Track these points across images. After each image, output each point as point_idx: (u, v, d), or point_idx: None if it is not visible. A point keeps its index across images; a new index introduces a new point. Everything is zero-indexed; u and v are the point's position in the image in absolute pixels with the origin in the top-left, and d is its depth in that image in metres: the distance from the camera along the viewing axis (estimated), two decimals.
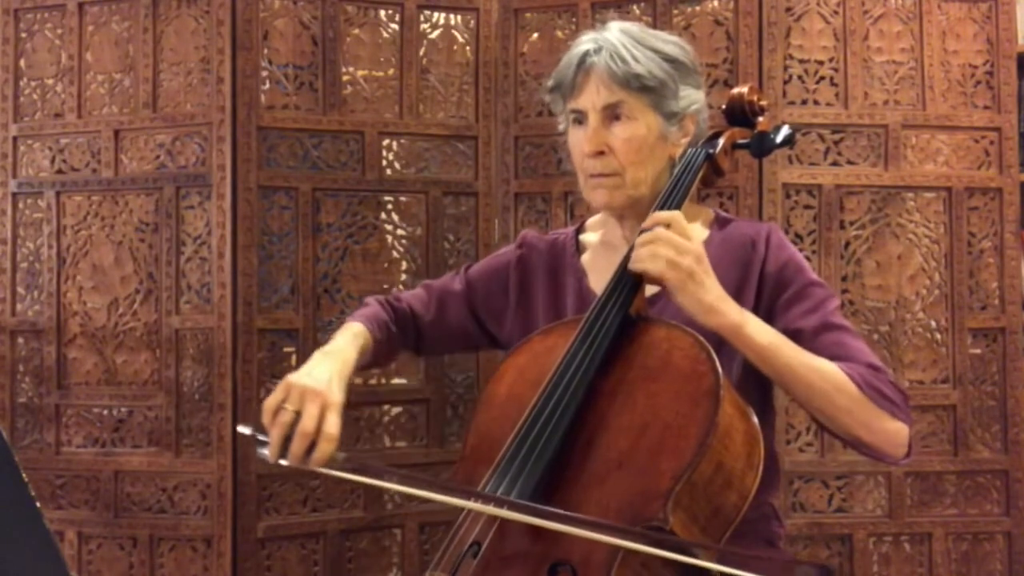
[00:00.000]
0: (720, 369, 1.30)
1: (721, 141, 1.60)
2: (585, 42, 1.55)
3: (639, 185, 1.55)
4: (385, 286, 2.59)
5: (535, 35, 2.65)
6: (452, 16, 2.67)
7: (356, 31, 2.59)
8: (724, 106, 1.66)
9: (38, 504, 1.06)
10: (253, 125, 2.47)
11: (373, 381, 2.61)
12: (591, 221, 1.73)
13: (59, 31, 2.59)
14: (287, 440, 1.33)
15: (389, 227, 2.63)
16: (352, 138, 2.58)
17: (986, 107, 2.56)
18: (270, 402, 1.36)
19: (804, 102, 2.50)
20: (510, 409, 1.40)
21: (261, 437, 1.35)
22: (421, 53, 2.64)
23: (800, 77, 2.50)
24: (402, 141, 2.64)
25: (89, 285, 2.54)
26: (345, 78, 2.58)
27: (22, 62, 2.61)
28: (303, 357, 2.10)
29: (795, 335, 1.45)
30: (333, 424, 1.34)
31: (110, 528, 2.49)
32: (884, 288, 2.50)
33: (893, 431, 1.43)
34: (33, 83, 2.61)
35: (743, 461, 1.30)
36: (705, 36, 2.51)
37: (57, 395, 2.55)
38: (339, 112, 2.57)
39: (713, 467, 1.26)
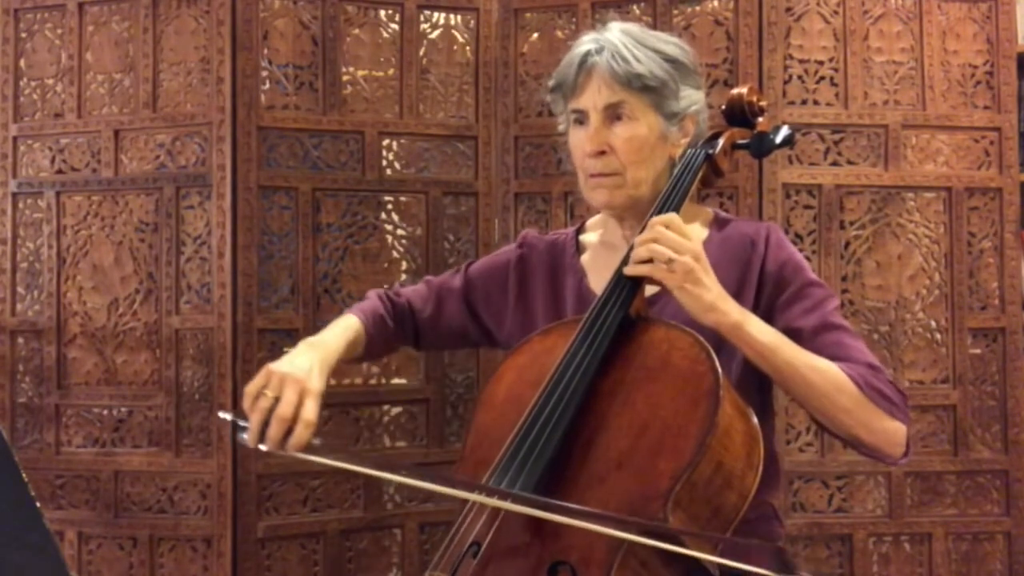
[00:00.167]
0: (720, 369, 1.30)
1: (721, 141, 1.60)
2: (586, 42, 1.55)
3: (640, 185, 1.55)
4: (385, 286, 2.57)
5: (535, 35, 2.65)
6: (452, 16, 2.67)
7: (356, 31, 2.59)
8: (724, 106, 1.65)
9: (38, 504, 1.06)
10: (253, 125, 2.47)
11: (373, 381, 2.61)
12: (591, 221, 1.73)
13: (59, 31, 2.59)
14: (266, 425, 1.35)
15: (389, 227, 2.63)
16: (352, 138, 2.58)
17: (986, 107, 2.56)
18: (251, 387, 1.39)
19: (804, 102, 2.50)
20: (510, 409, 1.40)
21: (241, 423, 1.37)
22: (421, 53, 2.64)
23: (800, 77, 2.50)
24: (402, 141, 2.64)
25: (89, 285, 2.54)
26: (345, 78, 2.59)
27: (22, 62, 2.61)
28: None
29: (794, 334, 1.45)
30: (311, 410, 1.36)
31: (110, 528, 2.49)
32: (884, 288, 2.50)
33: (892, 431, 1.44)
34: (33, 83, 2.61)
35: (743, 461, 1.30)
36: (705, 36, 2.51)
37: (57, 395, 2.55)
38: (339, 112, 2.57)
39: (713, 467, 1.26)
